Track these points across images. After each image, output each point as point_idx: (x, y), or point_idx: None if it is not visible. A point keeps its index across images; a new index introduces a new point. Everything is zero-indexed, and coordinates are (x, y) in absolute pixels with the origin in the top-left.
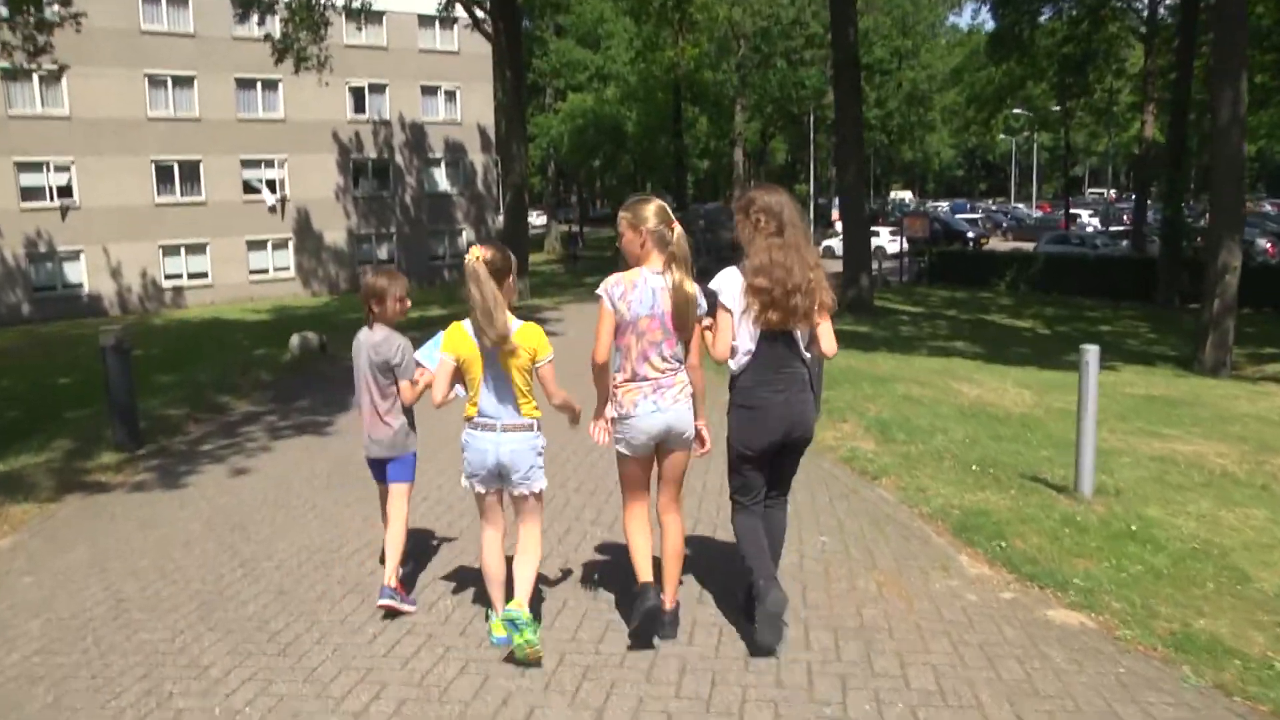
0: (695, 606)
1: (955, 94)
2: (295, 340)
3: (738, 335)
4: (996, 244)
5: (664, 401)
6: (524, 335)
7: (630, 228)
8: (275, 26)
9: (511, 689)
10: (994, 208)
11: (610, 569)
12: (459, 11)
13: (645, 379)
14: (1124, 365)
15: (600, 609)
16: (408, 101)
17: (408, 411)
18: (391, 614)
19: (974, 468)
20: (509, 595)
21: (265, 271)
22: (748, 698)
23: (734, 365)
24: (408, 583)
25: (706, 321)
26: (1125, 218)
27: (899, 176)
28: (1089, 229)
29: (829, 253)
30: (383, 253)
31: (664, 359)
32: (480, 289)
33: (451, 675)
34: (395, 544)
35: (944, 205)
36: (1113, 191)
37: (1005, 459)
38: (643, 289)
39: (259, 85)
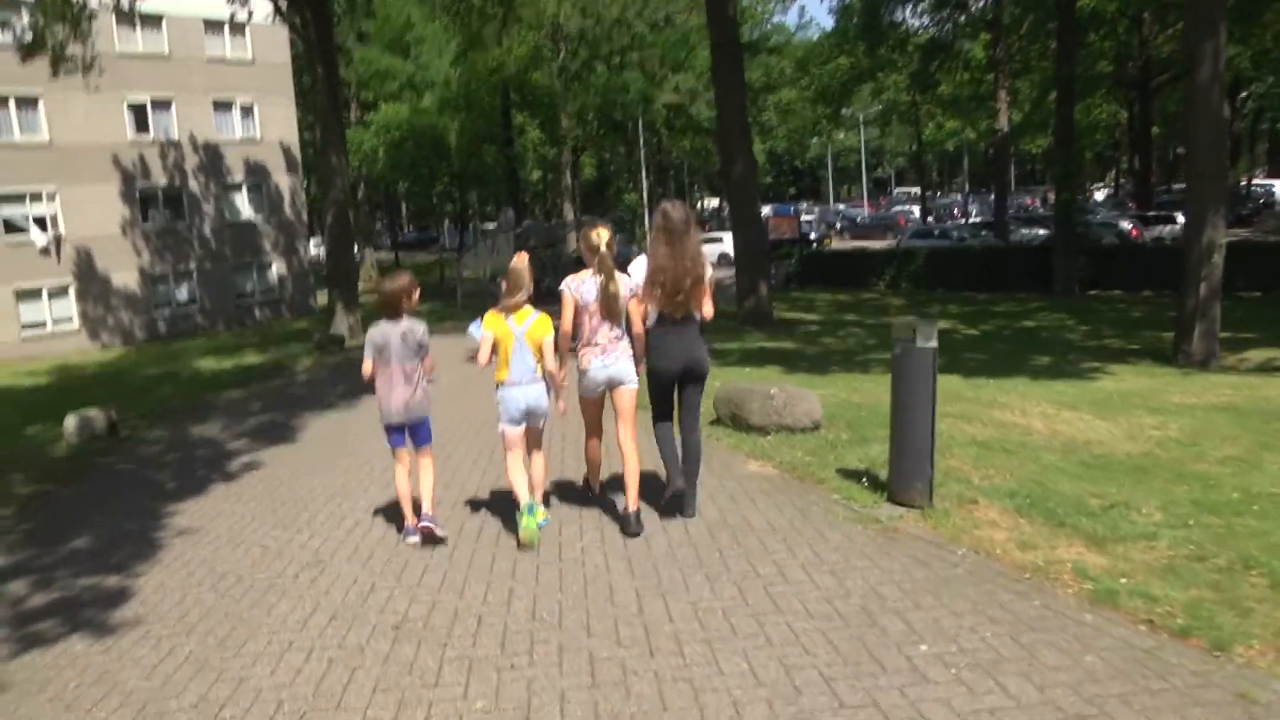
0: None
1: (796, 91)
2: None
3: (648, 307)
4: (839, 244)
5: (609, 360)
6: (538, 324)
7: (584, 243)
8: (24, 26)
9: (514, 585)
10: (815, 210)
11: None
12: (254, 8)
13: (596, 344)
14: (1110, 365)
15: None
16: (198, 119)
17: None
18: (429, 537)
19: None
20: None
21: (42, 325)
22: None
23: (648, 324)
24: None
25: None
26: (955, 210)
27: (705, 185)
28: (923, 223)
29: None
30: (183, 293)
31: (609, 331)
32: (519, 284)
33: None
34: (428, 489)
35: (766, 209)
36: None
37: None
38: (589, 284)
39: (11, 102)
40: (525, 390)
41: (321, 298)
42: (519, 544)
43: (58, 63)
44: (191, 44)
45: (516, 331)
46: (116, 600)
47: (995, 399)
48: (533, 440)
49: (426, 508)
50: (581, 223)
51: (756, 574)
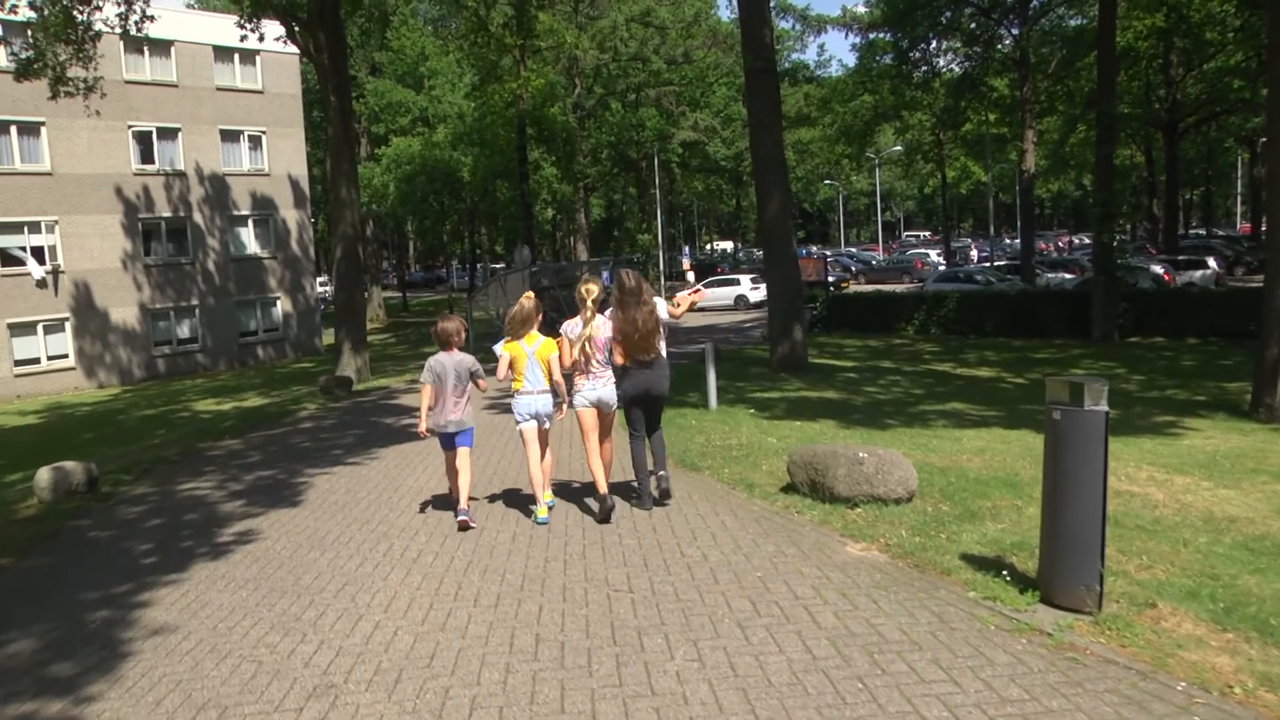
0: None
1: (818, 129)
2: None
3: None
4: (856, 288)
5: (598, 385)
6: (545, 346)
7: (576, 295)
8: (22, 45)
9: (531, 547)
10: (829, 254)
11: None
12: (265, 38)
13: (589, 373)
14: (1185, 419)
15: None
16: (205, 149)
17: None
18: (464, 527)
19: None
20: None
21: (36, 361)
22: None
23: (618, 360)
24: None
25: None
26: (971, 253)
27: (716, 228)
28: (940, 267)
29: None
30: (184, 330)
31: (597, 363)
32: (529, 320)
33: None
34: (465, 484)
35: None
36: (925, 233)
37: None
38: (580, 327)
39: (13, 129)
40: (535, 398)
41: (328, 337)
42: (535, 522)
43: (57, 84)
44: (200, 72)
45: (529, 351)
46: None
47: None
48: (542, 439)
49: (462, 502)
50: (587, 267)
51: None
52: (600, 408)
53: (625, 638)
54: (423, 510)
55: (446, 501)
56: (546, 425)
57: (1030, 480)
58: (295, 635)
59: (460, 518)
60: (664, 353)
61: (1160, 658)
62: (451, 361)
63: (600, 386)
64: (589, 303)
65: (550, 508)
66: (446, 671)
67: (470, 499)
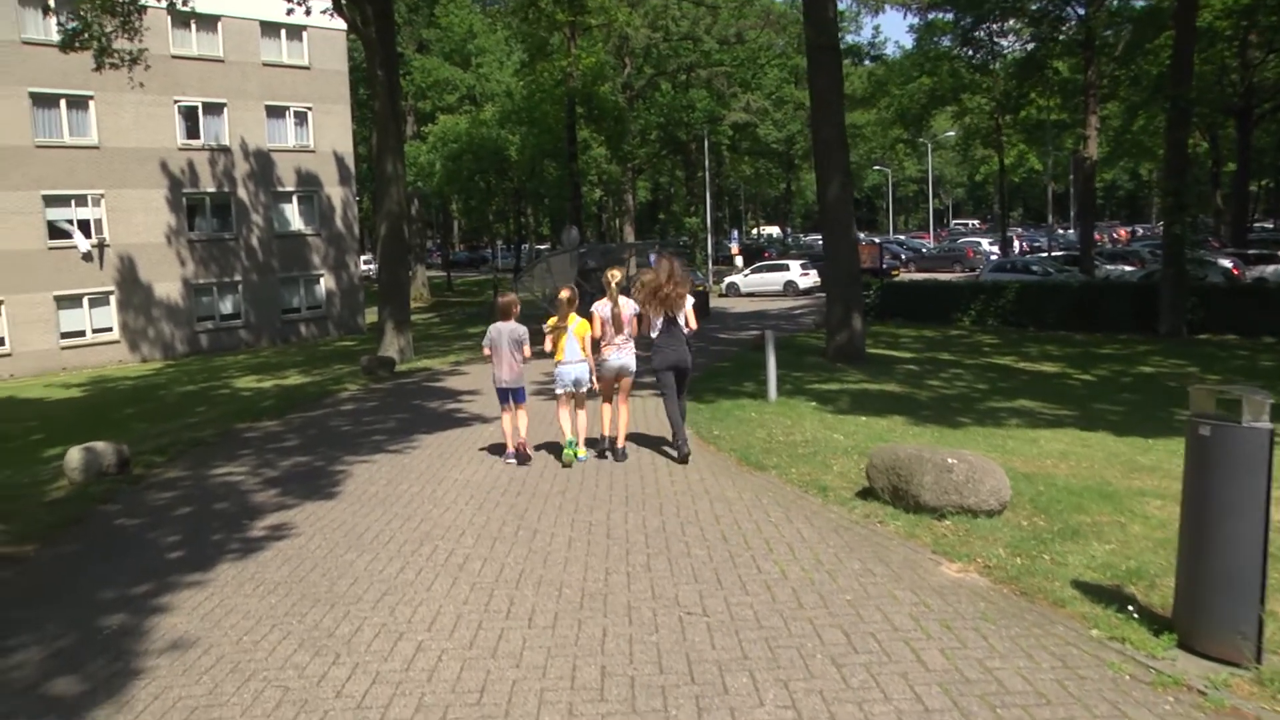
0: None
1: (874, 113)
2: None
3: (653, 321)
4: (907, 275)
5: (620, 354)
6: (581, 325)
7: (603, 279)
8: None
9: (555, 474)
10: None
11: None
12: (312, 12)
13: (612, 344)
14: None
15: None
16: (251, 125)
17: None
18: (523, 461)
19: None
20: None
21: (81, 334)
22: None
23: (654, 333)
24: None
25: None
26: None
27: (762, 213)
28: (993, 256)
29: (733, 290)
30: (226, 306)
31: (620, 335)
32: (566, 311)
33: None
34: (524, 427)
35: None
36: (974, 221)
37: None
38: (608, 307)
39: (62, 103)
40: (573, 367)
41: (370, 316)
42: (562, 464)
43: (102, 55)
44: (247, 47)
45: (569, 329)
46: None
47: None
48: (579, 402)
49: (523, 436)
50: (634, 249)
51: None
52: (621, 373)
53: (704, 674)
54: (468, 505)
55: (494, 497)
56: (584, 389)
57: (1126, 492)
58: (327, 655)
59: (511, 459)
60: (688, 332)
61: None
62: (507, 329)
63: (624, 356)
64: (613, 285)
65: (582, 461)
66: (500, 713)
67: (529, 447)
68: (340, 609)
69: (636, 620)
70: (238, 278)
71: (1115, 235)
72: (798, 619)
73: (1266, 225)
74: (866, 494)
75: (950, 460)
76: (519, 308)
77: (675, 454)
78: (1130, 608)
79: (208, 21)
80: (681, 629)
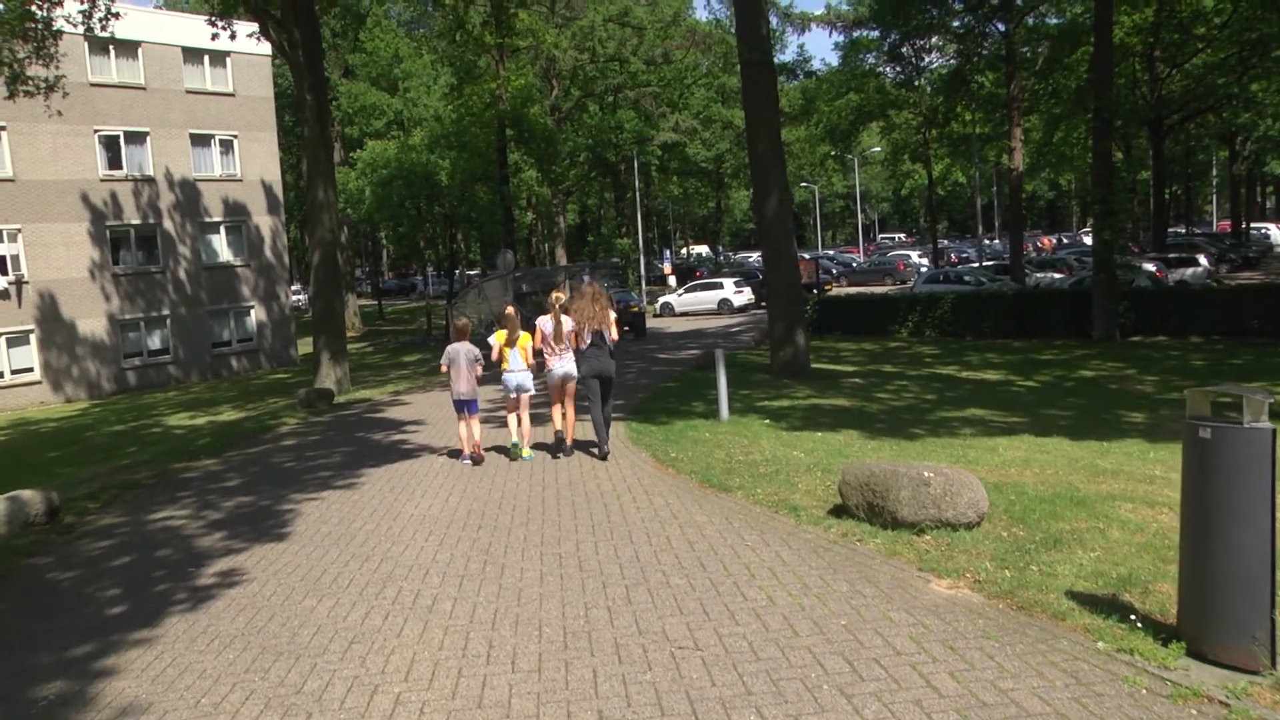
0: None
1: (801, 130)
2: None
3: (583, 335)
4: (838, 290)
5: (563, 362)
6: (524, 338)
7: (548, 300)
8: None
9: (514, 504)
10: (805, 255)
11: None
12: (236, 37)
13: (555, 354)
14: None
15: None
16: (175, 154)
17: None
18: (478, 461)
19: None
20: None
21: None
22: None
23: (583, 346)
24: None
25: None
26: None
27: (691, 232)
28: (924, 268)
29: (667, 310)
30: (155, 341)
31: (563, 346)
32: (514, 326)
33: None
34: (477, 434)
35: (752, 256)
36: (902, 235)
37: None
38: (550, 323)
39: None
40: (516, 375)
41: (304, 347)
42: (509, 459)
43: (15, 83)
44: (169, 74)
45: (512, 341)
46: None
47: (1144, 471)
48: (522, 407)
49: (477, 439)
50: (566, 272)
51: None
52: (567, 379)
53: (709, 714)
54: (429, 541)
55: (454, 531)
56: (527, 393)
57: (1095, 497)
58: (298, 715)
59: (467, 460)
60: (610, 345)
61: None
62: (464, 349)
63: (567, 364)
64: (555, 306)
65: (529, 460)
66: None
67: (481, 449)
68: (306, 662)
69: (626, 658)
70: (166, 312)
71: (1039, 244)
72: (795, 648)
73: (1179, 230)
74: (839, 512)
75: (927, 474)
76: (469, 330)
77: (597, 452)
78: (1132, 617)
79: (128, 48)
80: (676, 665)
